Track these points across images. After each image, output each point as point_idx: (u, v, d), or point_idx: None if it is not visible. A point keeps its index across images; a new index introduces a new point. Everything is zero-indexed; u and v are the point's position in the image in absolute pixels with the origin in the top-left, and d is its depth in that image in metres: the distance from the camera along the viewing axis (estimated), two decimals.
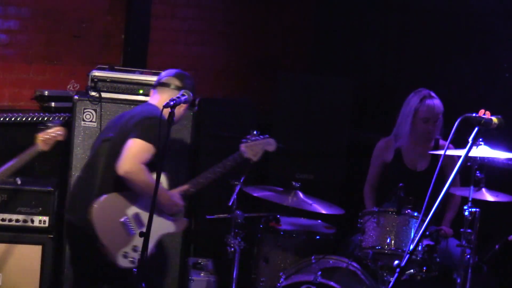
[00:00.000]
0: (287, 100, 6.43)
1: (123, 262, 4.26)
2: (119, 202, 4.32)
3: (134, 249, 4.26)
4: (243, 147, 4.73)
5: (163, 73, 4.66)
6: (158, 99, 4.55)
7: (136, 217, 4.34)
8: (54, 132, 4.61)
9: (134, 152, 4.26)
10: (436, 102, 5.27)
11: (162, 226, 4.45)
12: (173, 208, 4.51)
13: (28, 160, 4.58)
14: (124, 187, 4.30)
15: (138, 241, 4.15)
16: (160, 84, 4.60)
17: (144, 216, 4.26)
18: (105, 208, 4.30)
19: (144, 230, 3.95)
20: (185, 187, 4.64)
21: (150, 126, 4.28)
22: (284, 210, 5.13)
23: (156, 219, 4.20)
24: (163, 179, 4.41)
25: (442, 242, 4.73)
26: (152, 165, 4.30)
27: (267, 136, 4.83)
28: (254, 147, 4.73)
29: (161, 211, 4.43)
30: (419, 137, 5.32)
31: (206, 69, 6.83)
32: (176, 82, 4.57)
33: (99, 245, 4.25)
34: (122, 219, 4.30)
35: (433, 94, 5.30)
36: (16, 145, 5.59)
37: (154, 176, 4.09)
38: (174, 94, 4.36)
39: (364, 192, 5.56)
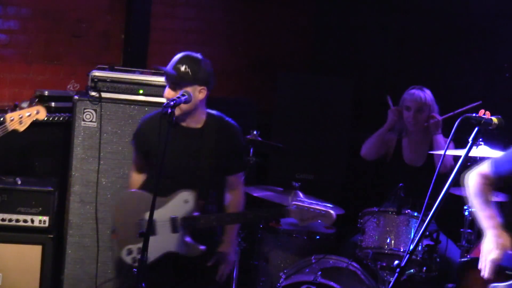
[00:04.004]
0: (287, 100, 6.43)
1: (126, 258, 4.21)
2: (144, 202, 4.16)
3: (139, 250, 4.14)
4: (295, 206, 4.14)
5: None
6: None
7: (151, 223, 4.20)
8: (29, 111, 4.59)
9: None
10: (421, 93, 5.35)
11: (174, 244, 4.19)
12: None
13: None
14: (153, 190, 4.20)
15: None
16: None
17: (159, 226, 4.16)
18: (130, 200, 4.27)
19: (153, 237, 4.02)
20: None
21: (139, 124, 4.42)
22: None
23: (171, 235, 4.16)
24: (190, 197, 4.18)
25: (441, 245, 4.73)
26: (148, 165, 4.31)
27: (329, 206, 4.19)
28: (308, 213, 4.13)
29: (179, 229, 4.18)
30: (407, 125, 5.41)
31: None
32: None
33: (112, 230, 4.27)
34: (138, 219, 4.17)
35: (425, 88, 5.37)
36: (16, 145, 5.61)
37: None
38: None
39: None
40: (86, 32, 6.23)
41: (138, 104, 5.36)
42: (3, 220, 5.12)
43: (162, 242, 4.15)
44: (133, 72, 5.51)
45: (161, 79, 5.43)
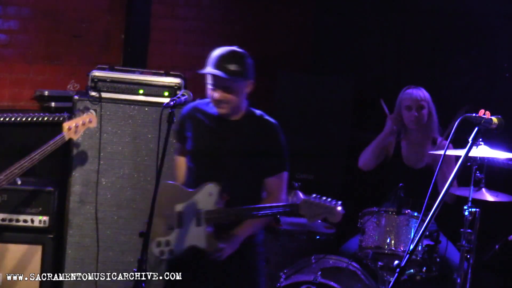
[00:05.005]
0: (287, 100, 6.43)
1: (154, 250, 4.16)
2: (176, 194, 4.15)
3: (166, 243, 4.14)
4: (302, 201, 4.00)
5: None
6: None
7: (179, 216, 4.16)
8: (84, 119, 4.64)
9: None
10: (419, 91, 5.37)
11: (196, 238, 4.09)
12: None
13: (53, 150, 4.66)
14: (185, 183, 4.23)
15: (172, 238, 4.11)
16: None
17: (185, 218, 4.12)
18: (164, 192, 4.15)
19: (180, 230, 4.04)
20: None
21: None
22: None
23: (195, 228, 4.09)
24: (214, 190, 4.09)
25: (441, 245, 4.73)
26: (189, 155, 4.24)
27: (338, 202, 3.99)
28: (316, 209, 3.96)
29: (202, 222, 4.11)
30: (408, 125, 5.38)
31: None
32: None
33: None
34: (167, 212, 4.13)
35: (419, 87, 5.38)
36: (16, 145, 5.61)
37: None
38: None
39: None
40: (86, 32, 6.23)
41: (138, 104, 5.36)
42: (3, 220, 5.12)
43: (187, 235, 4.10)
44: (133, 72, 5.51)
45: (161, 79, 5.44)
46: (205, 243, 4.07)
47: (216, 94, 4.05)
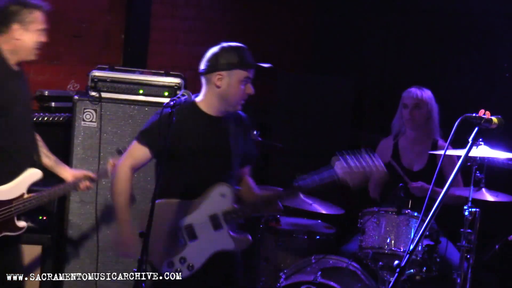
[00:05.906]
0: (286, 100, 6.43)
1: (166, 271, 4.03)
2: (178, 210, 4.05)
3: (181, 260, 4.04)
4: (341, 172, 4.00)
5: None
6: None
7: (190, 229, 4.06)
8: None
9: (127, 152, 4.16)
10: (418, 91, 5.34)
11: (220, 242, 4.04)
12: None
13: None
14: (181, 194, 4.10)
15: (187, 253, 4.03)
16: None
17: (198, 228, 4.04)
18: (160, 212, 3.97)
19: (195, 242, 3.99)
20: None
21: (151, 124, 4.12)
22: (284, 210, 5.13)
23: (215, 234, 4.03)
24: (226, 190, 4.05)
25: (441, 245, 4.73)
26: (182, 160, 4.08)
27: (375, 160, 3.95)
28: (356, 176, 3.94)
29: (222, 225, 4.04)
30: (405, 124, 5.37)
31: None
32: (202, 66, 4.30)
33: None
34: (173, 229, 4.02)
35: (424, 88, 5.36)
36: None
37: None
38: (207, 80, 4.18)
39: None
40: (86, 32, 6.23)
41: (138, 104, 5.36)
42: None
43: (206, 244, 4.03)
44: (133, 72, 5.51)
45: (161, 79, 5.44)
46: (233, 243, 4.04)
47: (252, 88, 4.11)
